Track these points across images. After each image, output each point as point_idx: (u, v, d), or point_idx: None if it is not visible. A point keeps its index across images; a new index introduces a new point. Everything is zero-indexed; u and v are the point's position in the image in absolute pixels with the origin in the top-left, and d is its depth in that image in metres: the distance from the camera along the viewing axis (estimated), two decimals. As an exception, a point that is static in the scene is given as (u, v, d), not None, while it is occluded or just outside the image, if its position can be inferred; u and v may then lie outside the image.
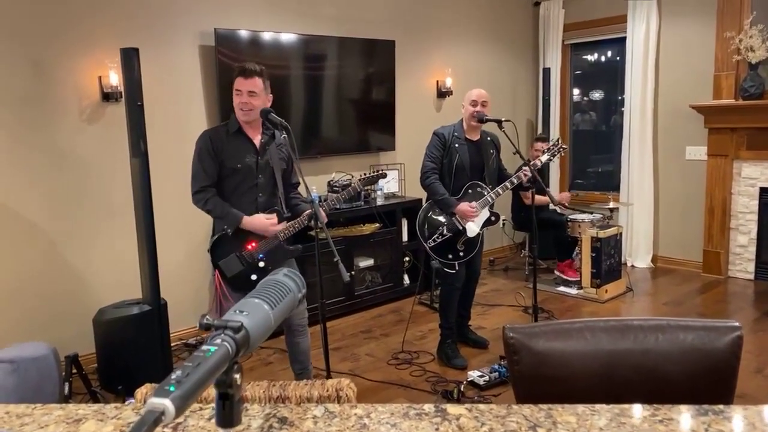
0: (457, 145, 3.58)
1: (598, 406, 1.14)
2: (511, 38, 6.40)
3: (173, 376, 0.59)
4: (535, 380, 1.34)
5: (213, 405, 1.15)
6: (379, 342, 4.16)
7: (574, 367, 1.33)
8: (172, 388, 0.57)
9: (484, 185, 3.64)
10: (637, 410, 1.14)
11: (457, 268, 3.63)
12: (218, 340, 0.68)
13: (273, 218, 2.86)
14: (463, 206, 3.53)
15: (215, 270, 2.91)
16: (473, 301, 4.05)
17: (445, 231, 3.57)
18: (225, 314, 2.69)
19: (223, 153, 2.81)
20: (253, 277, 2.90)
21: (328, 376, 2.84)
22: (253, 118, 2.82)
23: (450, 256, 3.60)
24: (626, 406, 1.14)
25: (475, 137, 3.64)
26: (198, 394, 0.60)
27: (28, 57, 3.52)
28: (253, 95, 2.77)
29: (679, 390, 1.32)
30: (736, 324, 1.35)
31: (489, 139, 3.71)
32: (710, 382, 1.32)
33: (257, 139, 2.88)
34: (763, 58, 4.93)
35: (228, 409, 0.72)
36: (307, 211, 2.86)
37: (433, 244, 3.57)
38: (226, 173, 2.83)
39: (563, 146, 3.79)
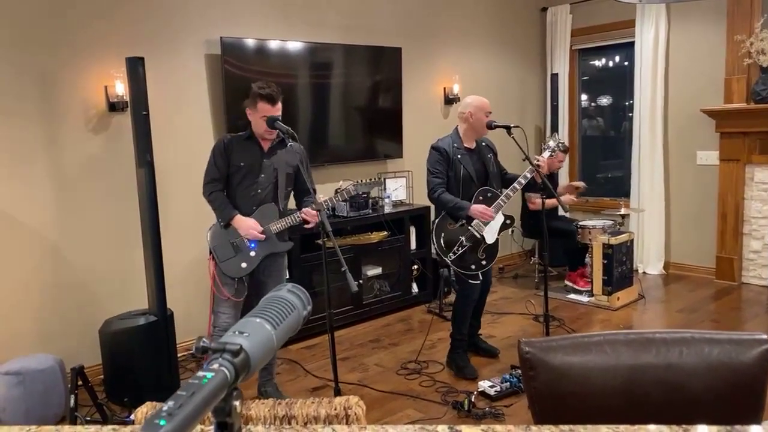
0: (459, 156, 3.54)
1: (623, 428, 1.08)
2: (519, 44, 6.35)
3: (164, 408, 0.54)
4: (553, 397, 1.28)
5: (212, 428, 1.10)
6: (388, 351, 4.10)
7: (594, 384, 1.27)
8: (162, 422, 0.52)
9: (493, 189, 3.61)
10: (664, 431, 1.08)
11: (480, 278, 3.59)
12: (215, 365, 0.62)
13: (260, 228, 3.09)
14: (477, 206, 3.49)
15: (210, 255, 3.14)
16: (483, 309, 3.98)
17: (464, 241, 3.52)
18: (218, 317, 2.75)
19: (233, 153, 3.12)
20: (243, 264, 3.11)
21: (337, 387, 2.79)
22: None
23: (473, 267, 3.55)
24: (652, 427, 1.08)
25: (473, 145, 3.63)
26: (192, 426, 0.54)
27: (35, 67, 3.50)
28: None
29: (704, 407, 1.25)
30: (764, 336, 1.28)
31: (484, 144, 3.69)
32: (737, 398, 1.26)
33: (266, 144, 3.15)
34: (774, 61, 4.86)
35: (227, 439, 0.66)
36: (304, 208, 3.09)
37: (453, 256, 3.52)
38: (232, 170, 3.13)
39: (563, 143, 3.81)
